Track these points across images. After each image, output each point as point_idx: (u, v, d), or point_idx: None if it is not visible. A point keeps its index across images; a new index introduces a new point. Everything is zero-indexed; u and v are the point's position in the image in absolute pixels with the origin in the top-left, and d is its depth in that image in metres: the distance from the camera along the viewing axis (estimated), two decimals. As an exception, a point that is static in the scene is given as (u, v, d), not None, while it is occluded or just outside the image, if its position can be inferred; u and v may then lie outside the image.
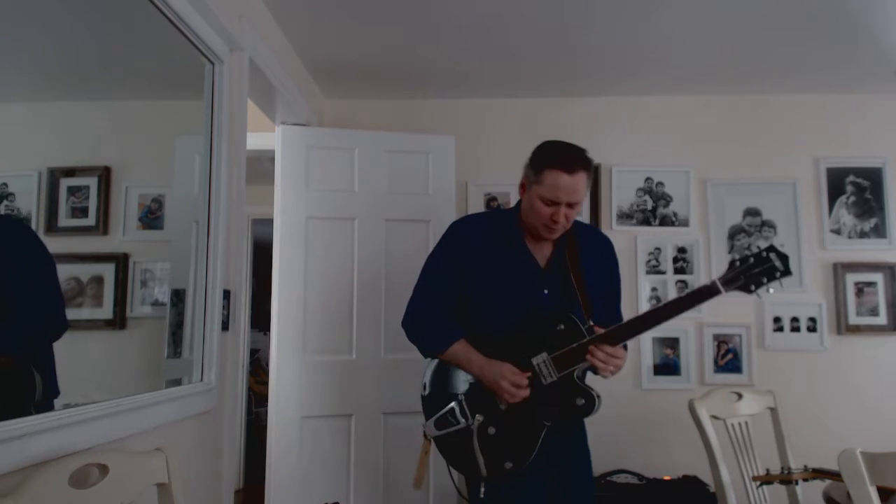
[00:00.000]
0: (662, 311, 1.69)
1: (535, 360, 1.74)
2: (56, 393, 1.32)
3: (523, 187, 1.85)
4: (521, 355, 1.75)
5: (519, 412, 1.74)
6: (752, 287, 1.65)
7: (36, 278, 1.34)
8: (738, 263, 1.67)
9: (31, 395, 1.25)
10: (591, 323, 1.74)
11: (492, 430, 1.75)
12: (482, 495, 1.72)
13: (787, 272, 1.65)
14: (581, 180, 1.74)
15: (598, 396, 1.72)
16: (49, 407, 1.28)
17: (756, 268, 1.65)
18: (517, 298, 1.82)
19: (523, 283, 1.83)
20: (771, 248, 1.66)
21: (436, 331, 1.87)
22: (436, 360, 1.89)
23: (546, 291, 1.83)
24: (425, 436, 1.83)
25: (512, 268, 1.85)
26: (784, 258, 1.65)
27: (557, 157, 1.75)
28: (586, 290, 1.80)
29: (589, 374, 1.83)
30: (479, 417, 1.75)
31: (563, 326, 1.74)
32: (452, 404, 1.79)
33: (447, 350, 1.83)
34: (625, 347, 1.76)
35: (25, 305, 1.28)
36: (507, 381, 1.72)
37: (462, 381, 1.81)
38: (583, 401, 1.72)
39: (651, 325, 1.69)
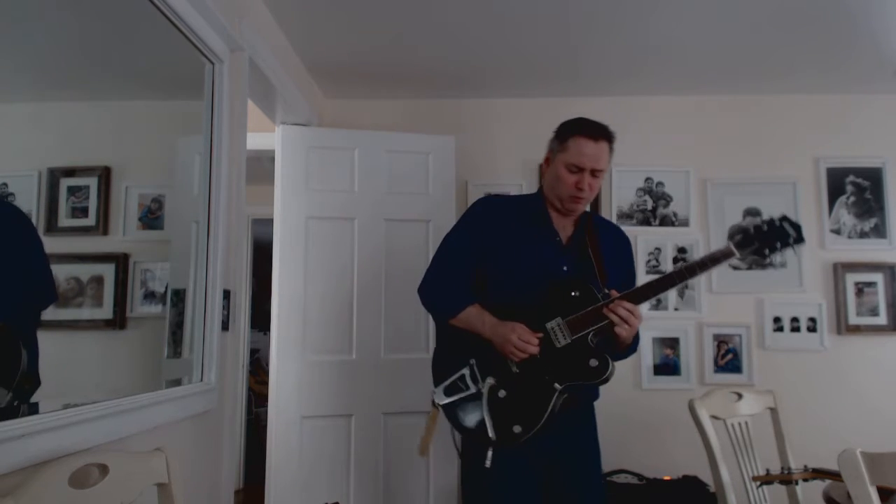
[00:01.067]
0: (680, 274, 1.73)
1: (548, 325, 1.75)
2: (37, 383, 1.30)
3: (547, 161, 1.91)
4: (537, 321, 1.76)
5: (531, 375, 1.74)
6: (767, 251, 1.72)
7: (23, 249, 1.33)
8: (751, 231, 1.73)
9: (17, 367, 1.24)
10: (607, 290, 1.77)
11: (502, 394, 1.75)
12: (488, 463, 1.70)
13: (800, 239, 1.71)
14: (604, 149, 1.83)
15: (612, 362, 1.72)
16: (29, 394, 1.28)
17: (771, 234, 1.72)
18: (537, 272, 1.83)
19: (544, 258, 1.86)
20: (784, 218, 1.73)
21: (450, 294, 1.88)
22: (444, 329, 1.90)
23: (565, 267, 1.86)
24: (434, 403, 1.82)
25: (534, 242, 1.88)
26: (797, 226, 1.72)
27: (582, 125, 1.84)
28: (604, 265, 1.84)
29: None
30: (489, 380, 1.75)
31: (577, 293, 1.76)
32: (464, 370, 1.78)
33: (461, 312, 1.83)
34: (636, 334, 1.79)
35: (13, 273, 1.27)
36: (517, 336, 1.72)
37: (473, 347, 1.80)
38: (596, 362, 1.72)
39: (668, 286, 1.75)
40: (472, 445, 1.81)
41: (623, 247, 2.02)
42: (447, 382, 1.80)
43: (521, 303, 1.80)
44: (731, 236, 1.76)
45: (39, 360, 1.29)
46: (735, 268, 3.26)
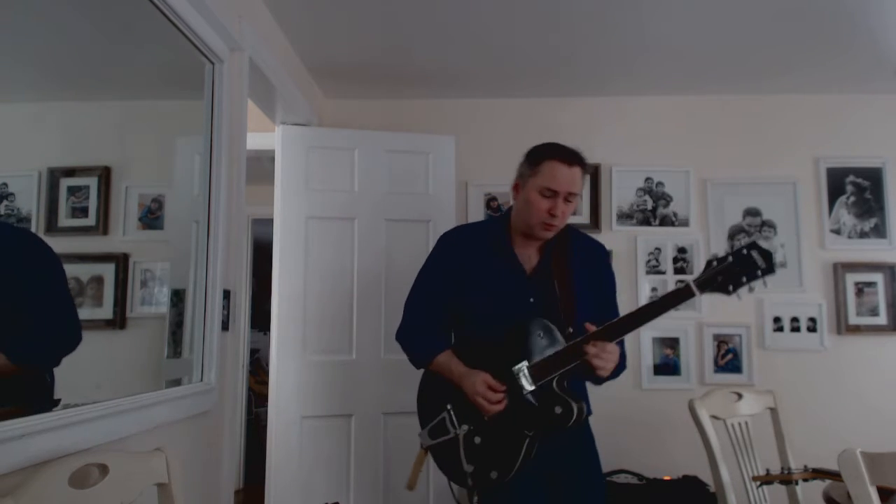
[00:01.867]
0: (638, 316, 1.64)
1: (515, 369, 1.72)
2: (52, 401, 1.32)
3: (517, 188, 1.85)
4: (505, 363, 1.73)
5: (502, 421, 1.72)
6: (731, 287, 1.57)
7: (50, 290, 1.34)
8: (714, 263, 1.59)
9: (48, 392, 1.26)
10: (571, 330, 1.72)
11: (477, 440, 1.75)
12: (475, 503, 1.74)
13: (769, 270, 1.55)
14: (578, 173, 1.77)
15: (578, 405, 1.67)
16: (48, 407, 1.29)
17: (736, 267, 1.56)
18: (504, 305, 1.81)
19: (509, 290, 1.83)
20: (753, 245, 1.57)
21: (422, 343, 1.91)
22: (426, 372, 1.92)
23: (532, 299, 1.82)
24: (421, 445, 1.85)
25: (498, 274, 1.85)
26: (767, 255, 1.55)
27: (556, 149, 1.79)
28: (572, 296, 1.79)
29: (588, 384, 1.83)
30: (464, 427, 1.76)
31: (541, 334, 1.72)
32: (443, 414, 1.80)
33: (432, 362, 1.86)
34: (622, 354, 1.73)
35: (39, 318, 1.28)
36: (480, 395, 1.71)
37: (447, 391, 1.81)
38: (560, 409, 1.67)
39: (629, 328, 1.65)
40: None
41: (598, 262, 1.95)
42: (431, 425, 1.82)
43: (491, 340, 1.78)
44: (706, 266, 1.60)
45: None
46: (735, 268, 3.26)
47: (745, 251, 1.57)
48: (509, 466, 1.70)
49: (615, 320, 1.68)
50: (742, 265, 1.56)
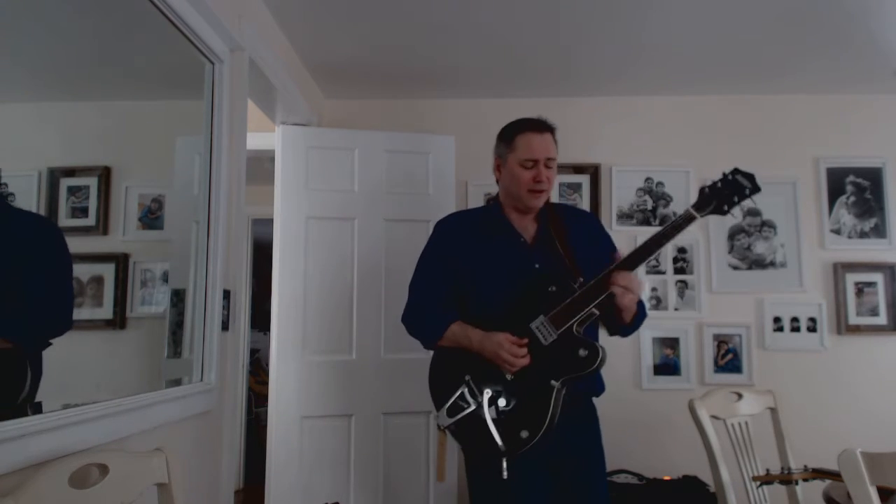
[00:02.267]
0: (649, 245, 1.73)
1: (533, 325, 1.75)
2: (38, 405, 1.30)
3: (498, 169, 1.95)
4: (519, 325, 1.76)
5: (526, 379, 1.74)
6: (725, 207, 1.71)
7: (50, 274, 1.34)
8: (706, 190, 1.73)
9: (20, 390, 1.24)
10: (582, 279, 1.77)
11: (502, 403, 1.75)
12: (505, 474, 1.70)
13: (755, 188, 1.70)
14: (550, 139, 1.87)
15: (602, 347, 1.72)
16: (26, 411, 1.27)
17: (725, 189, 1.71)
18: (509, 276, 1.84)
19: (514, 261, 1.87)
20: (736, 171, 1.72)
21: (431, 319, 1.90)
22: (436, 353, 1.91)
23: (537, 265, 1.86)
24: (439, 427, 1.83)
25: (500, 248, 1.89)
26: (750, 176, 1.71)
27: (524, 122, 1.90)
28: (573, 255, 1.84)
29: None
30: (487, 392, 1.75)
31: (554, 288, 1.77)
32: (462, 388, 1.78)
33: (445, 333, 1.85)
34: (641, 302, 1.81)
35: (35, 297, 1.28)
36: (506, 350, 1.72)
37: (464, 363, 1.80)
38: (586, 351, 1.71)
39: (644, 256, 1.74)
40: (480, 461, 1.80)
41: (591, 226, 2.04)
42: (448, 404, 1.79)
43: (501, 311, 1.80)
44: (699, 193, 1.75)
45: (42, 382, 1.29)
46: (735, 268, 3.26)
47: (730, 176, 1.72)
48: (540, 422, 1.70)
49: (629, 253, 1.74)
50: (731, 188, 1.71)
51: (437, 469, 1.86)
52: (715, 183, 1.73)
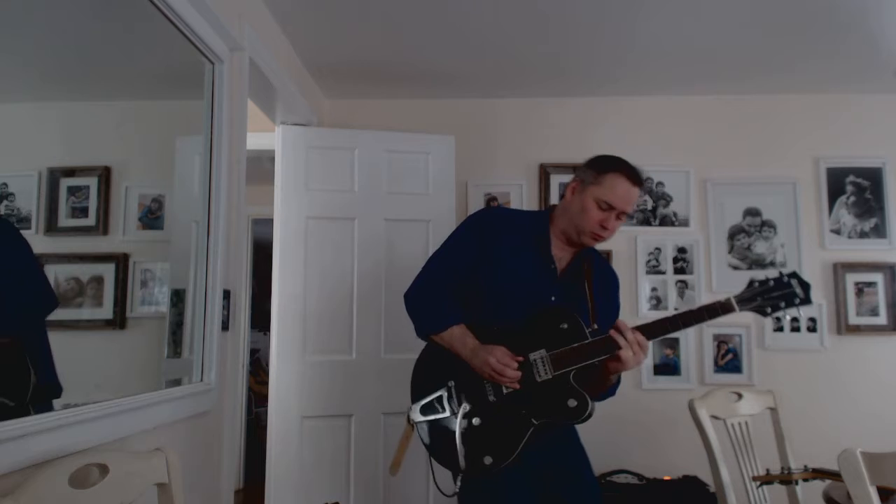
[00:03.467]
0: (676, 320, 1.70)
1: (532, 356, 1.70)
2: (57, 390, 1.31)
3: (573, 190, 1.83)
4: (519, 349, 1.71)
5: (507, 406, 1.69)
6: (769, 310, 1.65)
7: (15, 257, 1.32)
8: (756, 284, 1.66)
9: (27, 384, 1.24)
10: (595, 326, 1.72)
11: (476, 421, 1.70)
12: (457, 489, 1.68)
13: (807, 300, 1.62)
14: (637, 194, 1.78)
15: (592, 402, 1.67)
16: (48, 406, 1.28)
17: (775, 291, 1.64)
18: (526, 297, 1.79)
19: (536, 284, 1.81)
20: (794, 275, 1.63)
21: (437, 309, 1.82)
22: (428, 347, 1.86)
23: (553, 297, 1.81)
24: (408, 420, 1.78)
25: (529, 266, 1.82)
26: (806, 286, 1.62)
27: (624, 165, 1.79)
28: (595, 301, 1.80)
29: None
30: (465, 406, 1.71)
31: (566, 325, 1.71)
32: (441, 391, 1.75)
33: (444, 331, 1.78)
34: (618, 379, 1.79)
35: (10, 284, 1.27)
36: (497, 359, 1.67)
37: (453, 369, 1.76)
38: (575, 403, 1.66)
39: (665, 331, 1.71)
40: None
41: (612, 287, 1.97)
42: (424, 401, 1.76)
43: (504, 326, 1.76)
44: (748, 286, 1.66)
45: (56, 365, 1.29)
46: (735, 268, 3.26)
47: (786, 278, 1.63)
48: (507, 453, 1.66)
49: (653, 321, 1.70)
50: (781, 291, 1.63)
51: (393, 460, 1.82)
52: (768, 280, 1.65)
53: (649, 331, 1.69)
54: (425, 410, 1.76)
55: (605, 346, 1.66)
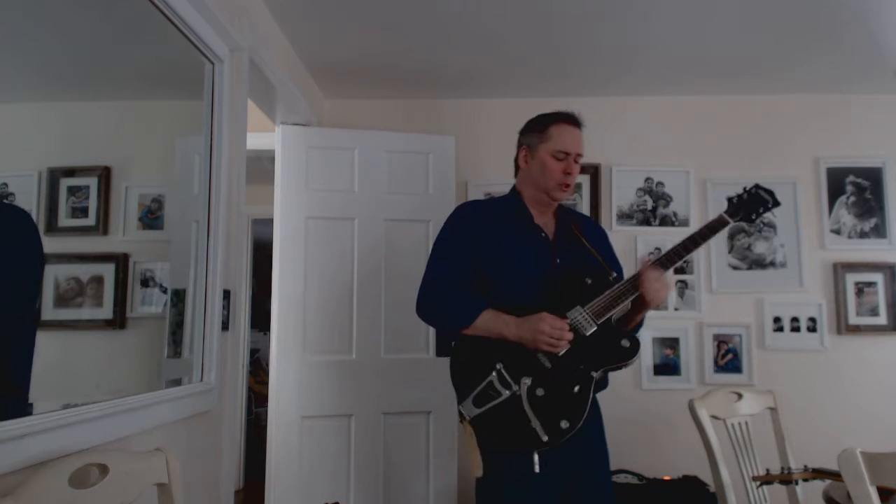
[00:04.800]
0: (684, 246, 1.82)
1: (570, 315, 1.74)
2: (25, 406, 1.24)
3: (525, 158, 1.92)
4: (554, 314, 1.73)
5: (564, 368, 1.72)
6: (753, 216, 1.86)
7: (17, 267, 1.31)
8: (735, 200, 1.87)
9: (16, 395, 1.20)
10: (615, 274, 1.82)
11: (540, 392, 1.70)
12: (537, 468, 1.66)
13: (776, 202, 1.87)
14: (581, 135, 1.90)
15: (638, 338, 1.77)
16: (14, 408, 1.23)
17: (749, 203, 1.86)
18: (531, 270, 1.83)
19: (536, 255, 1.86)
20: (756, 186, 1.87)
21: (459, 305, 1.81)
22: (458, 342, 1.83)
23: (558, 260, 1.86)
24: (463, 418, 1.75)
25: (523, 241, 1.87)
26: (770, 192, 1.87)
27: (561, 114, 1.91)
28: (598, 251, 1.88)
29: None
30: (525, 381, 1.70)
31: (590, 280, 1.79)
32: (491, 377, 1.72)
33: (475, 320, 1.76)
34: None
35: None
36: (549, 327, 1.68)
37: (493, 351, 1.74)
38: (628, 342, 1.75)
39: (678, 258, 1.83)
40: (493, 458, 1.74)
41: (603, 237, 2.06)
42: (475, 392, 1.72)
43: (525, 303, 1.76)
44: (728, 204, 1.88)
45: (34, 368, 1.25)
46: (735, 268, 3.26)
47: (753, 190, 1.86)
48: (580, 412, 1.69)
49: (665, 252, 1.83)
50: (754, 200, 1.86)
51: (472, 464, 1.78)
52: (740, 195, 1.86)
53: (662, 262, 1.81)
54: (479, 401, 1.72)
55: (633, 284, 1.77)
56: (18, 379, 1.25)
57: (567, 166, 1.84)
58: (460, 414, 1.75)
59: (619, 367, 1.76)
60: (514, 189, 1.98)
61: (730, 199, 1.87)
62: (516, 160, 1.96)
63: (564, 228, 1.92)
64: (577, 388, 1.71)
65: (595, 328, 1.74)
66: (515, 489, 1.72)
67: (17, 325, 1.28)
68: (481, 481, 1.78)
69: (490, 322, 1.75)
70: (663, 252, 1.85)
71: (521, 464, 1.68)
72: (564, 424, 1.67)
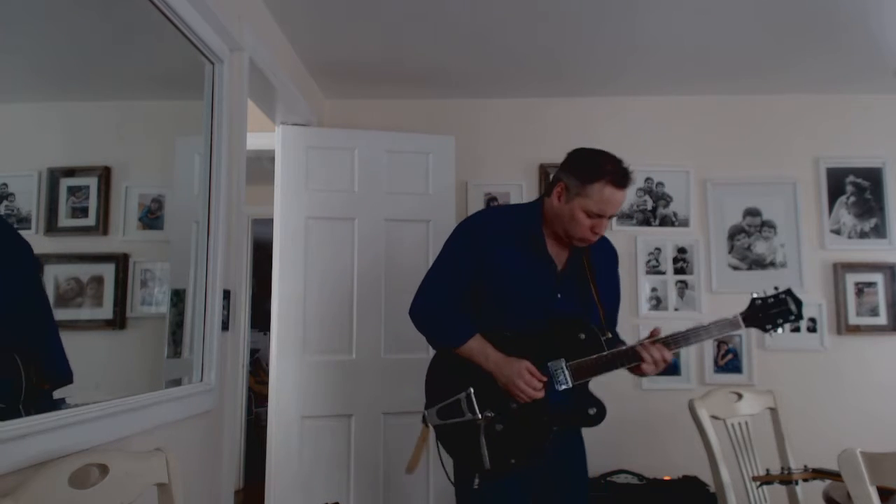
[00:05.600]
0: (691, 335, 1.76)
1: (551, 365, 1.74)
2: (68, 377, 1.29)
3: (559, 197, 1.80)
4: (537, 358, 1.75)
5: (529, 413, 1.74)
6: (768, 326, 1.77)
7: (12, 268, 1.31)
8: (758, 302, 1.78)
9: (18, 386, 1.22)
10: (609, 335, 1.78)
11: (499, 427, 1.75)
12: (476, 485, 1.71)
13: (799, 317, 1.76)
14: (624, 195, 1.79)
15: (605, 407, 1.77)
16: (53, 402, 1.26)
17: (773, 308, 1.76)
18: (531, 298, 1.81)
19: (539, 284, 1.82)
20: (789, 292, 1.76)
21: (451, 324, 1.83)
22: (443, 353, 1.88)
23: (559, 295, 1.83)
24: (424, 422, 1.81)
25: (530, 267, 1.83)
26: (798, 303, 1.76)
27: (607, 171, 1.75)
28: (601, 299, 1.84)
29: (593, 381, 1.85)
30: (488, 414, 1.74)
31: (583, 336, 1.76)
32: (460, 395, 1.76)
33: (463, 345, 1.79)
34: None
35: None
36: (524, 381, 1.71)
37: (470, 374, 1.78)
38: (594, 410, 1.76)
39: (683, 344, 1.77)
40: (462, 467, 1.81)
41: (612, 262, 2.00)
42: (442, 405, 1.78)
43: (518, 331, 1.79)
44: (750, 304, 1.79)
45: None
46: (735, 268, 3.26)
47: (782, 296, 1.77)
48: (531, 456, 1.74)
49: (668, 335, 1.76)
50: (778, 308, 1.76)
51: (410, 461, 1.85)
52: (766, 298, 1.77)
53: (675, 344, 1.76)
54: (443, 414, 1.78)
55: (628, 358, 1.74)
56: (53, 370, 1.28)
57: (597, 225, 1.76)
58: (424, 417, 1.82)
59: (580, 427, 1.82)
60: (538, 209, 1.88)
61: (753, 301, 1.78)
62: (550, 187, 1.84)
63: (576, 260, 1.86)
64: (534, 434, 1.75)
65: (568, 386, 1.74)
66: (492, 499, 1.76)
67: (35, 322, 1.30)
68: (460, 490, 1.83)
69: (474, 350, 1.79)
70: (668, 334, 1.77)
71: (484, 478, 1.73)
72: (512, 461, 1.73)
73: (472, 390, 1.76)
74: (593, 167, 1.77)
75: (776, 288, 1.77)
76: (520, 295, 1.82)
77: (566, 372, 1.74)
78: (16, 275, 1.32)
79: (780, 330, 1.76)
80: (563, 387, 1.73)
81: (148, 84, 1.80)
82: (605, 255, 1.97)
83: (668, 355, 1.73)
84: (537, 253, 1.84)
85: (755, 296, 1.78)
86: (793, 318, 1.75)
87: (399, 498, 2.93)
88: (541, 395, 1.72)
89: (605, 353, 1.74)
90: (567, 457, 1.86)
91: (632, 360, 1.73)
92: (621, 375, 1.82)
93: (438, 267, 1.90)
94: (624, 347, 1.75)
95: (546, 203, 1.86)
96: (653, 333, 1.77)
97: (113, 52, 1.63)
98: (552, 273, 1.84)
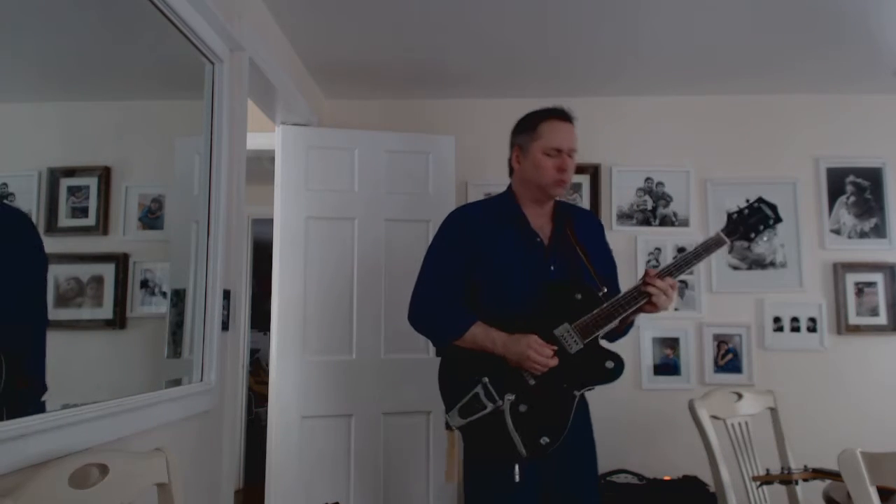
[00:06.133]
0: (685, 260, 1.77)
1: (557, 332, 1.74)
2: (42, 388, 1.27)
3: (517, 158, 1.91)
4: (542, 330, 1.75)
5: (548, 386, 1.73)
6: (752, 234, 1.80)
7: (21, 265, 1.31)
8: (735, 216, 1.80)
9: None
10: (605, 290, 1.79)
11: (523, 408, 1.73)
12: (517, 478, 1.69)
13: (778, 219, 1.80)
14: (573, 130, 1.88)
15: (622, 359, 1.77)
16: (27, 405, 1.24)
17: (751, 218, 1.79)
18: (525, 276, 1.82)
19: (530, 261, 1.84)
20: (760, 199, 1.80)
21: (449, 316, 1.84)
22: (448, 352, 1.86)
23: (552, 267, 1.85)
24: (448, 427, 1.80)
25: (517, 246, 1.85)
26: (773, 207, 1.80)
27: (551, 111, 1.90)
28: (592, 261, 1.85)
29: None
30: (509, 397, 1.73)
31: (580, 296, 1.77)
32: (476, 389, 1.75)
33: (465, 334, 1.79)
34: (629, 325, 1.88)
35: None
36: (535, 352, 1.70)
37: (480, 364, 1.77)
38: (612, 363, 1.75)
39: (680, 270, 1.78)
40: (478, 466, 1.80)
41: (598, 231, 2.03)
42: (461, 403, 1.76)
43: (517, 312, 1.78)
44: (728, 219, 1.81)
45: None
46: (735, 268, 3.26)
47: (756, 204, 1.80)
48: (560, 429, 1.72)
49: (668, 264, 1.79)
50: (755, 216, 1.79)
51: (446, 470, 1.85)
52: (741, 210, 1.80)
53: (676, 270, 1.77)
54: (465, 413, 1.76)
55: (633, 299, 1.75)
56: (33, 374, 1.27)
57: (561, 163, 1.83)
58: (447, 423, 1.80)
59: (603, 384, 1.78)
60: (509, 190, 1.96)
61: (729, 216, 1.81)
62: (510, 161, 1.95)
63: (560, 231, 1.89)
64: (559, 406, 1.74)
65: (580, 347, 1.74)
66: (500, 499, 1.75)
67: (28, 323, 1.29)
68: (468, 492, 1.82)
69: (479, 336, 1.78)
70: (663, 265, 1.80)
71: (503, 473, 1.71)
72: (544, 440, 1.72)
73: (486, 379, 1.75)
74: (532, 115, 1.93)
75: (747, 200, 1.81)
76: (514, 275, 1.83)
77: (573, 334, 1.74)
78: (26, 276, 1.32)
79: (763, 238, 1.79)
80: (576, 348, 1.74)
81: (148, 84, 1.79)
82: (588, 223, 2.01)
83: (673, 282, 1.75)
84: (521, 231, 1.87)
85: (730, 211, 1.82)
86: (771, 221, 1.79)
87: (399, 498, 2.93)
88: (555, 362, 1.72)
89: (605, 305, 1.74)
90: (577, 460, 1.86)
91: (637, 299, 1.74)
92: (621, 378, 1.81)
93: (427, 267, 1.93)
94: (624, 292, 1.76)
95: (513, 178, 1.95)
96: (646, 274, 1.77)
97: (113, 52, 1.63)
98: (540, 247, 1.86)
